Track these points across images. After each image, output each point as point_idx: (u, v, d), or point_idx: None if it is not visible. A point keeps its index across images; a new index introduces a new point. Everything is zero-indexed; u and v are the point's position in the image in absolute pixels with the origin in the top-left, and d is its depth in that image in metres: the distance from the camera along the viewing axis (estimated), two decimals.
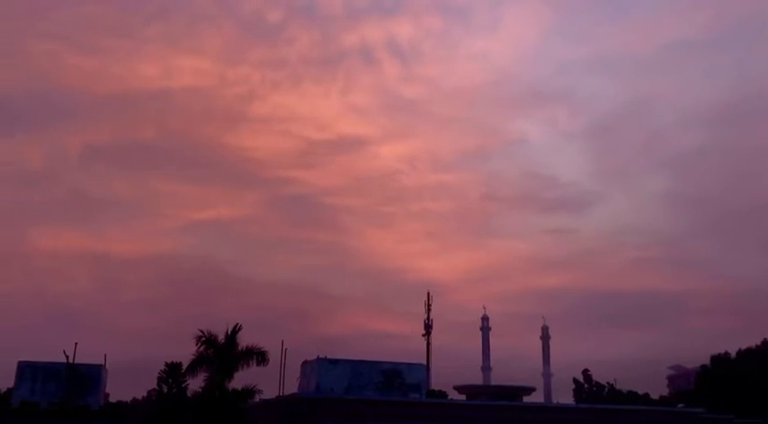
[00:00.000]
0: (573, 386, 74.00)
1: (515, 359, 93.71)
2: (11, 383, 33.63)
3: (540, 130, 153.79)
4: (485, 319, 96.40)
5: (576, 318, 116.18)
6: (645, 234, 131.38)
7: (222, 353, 39.82)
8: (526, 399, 28.66)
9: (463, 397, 29.69)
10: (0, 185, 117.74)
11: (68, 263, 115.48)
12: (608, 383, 70.42)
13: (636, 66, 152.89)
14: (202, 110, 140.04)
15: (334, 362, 24.08)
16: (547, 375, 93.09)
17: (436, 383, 50.27)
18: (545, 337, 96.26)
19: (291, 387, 28.31)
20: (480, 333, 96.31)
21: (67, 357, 30.98)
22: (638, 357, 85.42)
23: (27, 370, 31.86)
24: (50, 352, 34.80)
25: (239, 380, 40.79)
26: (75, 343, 31.91)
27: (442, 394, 48.28)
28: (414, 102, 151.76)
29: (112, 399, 47.30)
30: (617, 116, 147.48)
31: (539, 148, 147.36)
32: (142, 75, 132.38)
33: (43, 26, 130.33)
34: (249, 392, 39.30)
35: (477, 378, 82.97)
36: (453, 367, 72.55)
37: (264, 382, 39.86)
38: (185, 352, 41.52)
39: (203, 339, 40.10)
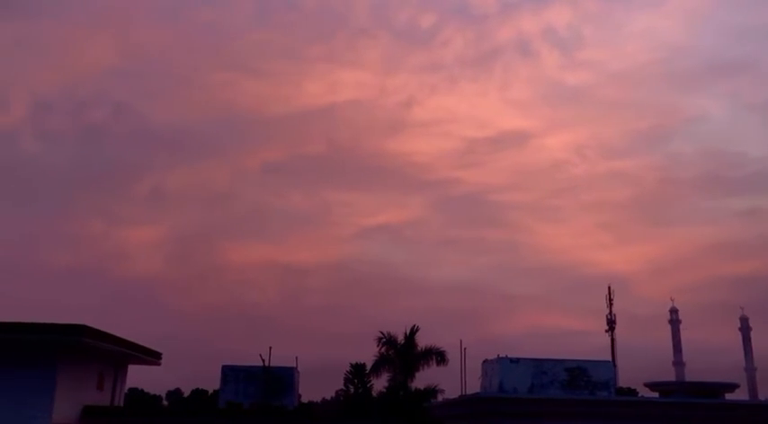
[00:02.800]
0: None
1: (710, 354, 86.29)
2: (217, 385, 36.74)
3: (721, 105, 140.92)
4: (673, 311, 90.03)
5: None
6: None
7: (402, 353, 40.80)
8: (728, 396, 26.30)
9: (655, 395, 27.91)
10: (192, 205, 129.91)
11: (257, 274, 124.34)
12: None
13: None
14: (366, 120, 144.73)
15: (516, 361, 23.67)
16: (750, 369, 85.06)
17: (624, 380, 47.80)
18: (744, 328, 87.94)
19: (472, 387, 28.21)
20: (669, 327, 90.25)
21: (264, 360, 33.19)
22: None
23: (230, 374, 34.52)
24: (249, 356, 37.62)
25: (421, 380, 41.52)
26: (270, 347, 34.16)
27: (632, 392, 45.88)
28: (577, 90, 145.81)
29: (304, 399, 49.83)
30: None
31: (722, 124, 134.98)
32: (309, 93, 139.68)
33: (219, 58, 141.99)
34: (431, 391, 39.88)
35: (669, 374, 77.55)
36: (641, 364, 68.51)
37: (445, 381, 40.14)
38: (368, 353, 43.00)
39: (384, 340, 41.38)
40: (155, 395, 72.49)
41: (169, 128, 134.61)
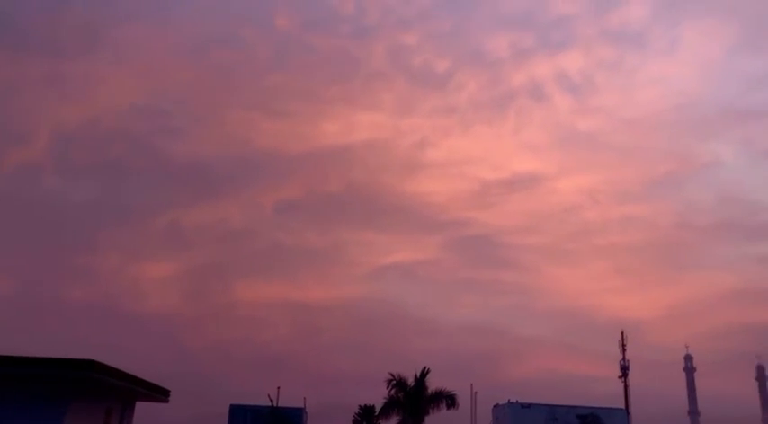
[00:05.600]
0: None
1: (726, 402, 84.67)
2: (224, 423, 36.39)
3: (735, 151, 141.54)
4: (688, 359, 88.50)
5: None
6: None
7: (412, 396, 40.25)
8: None
9: None
10: (208, 243, 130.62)
11: (270, 312, 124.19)
12: None
13: None
14: (381, 160, 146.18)
15: (527, 406, 23.35)
16: (767, 420, 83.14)
17: None
18: (761, 377, 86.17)
19: None
20: (684, 374, 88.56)
21: (272, 400, 32.98)
22: None
23: (238, 412, 34.35)
24: (258, 395, 37.33)
25: (430, 423, 40.89)
26: (278, 387, 33.93)
27: None
28: (590, 134, 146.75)
29: None
30: None
31: (736, 171, 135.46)
32: (325, 133, 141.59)
33: (238, 97, 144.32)
34: None
35: (684, 423, 76.06)
36: (655, 412, 67.28)
37: None
38: (378, 395, 42.56)
39: (394, 382, 40.88)
40: None
41: (188, 166, 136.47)
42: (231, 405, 35.15)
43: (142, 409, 27.97)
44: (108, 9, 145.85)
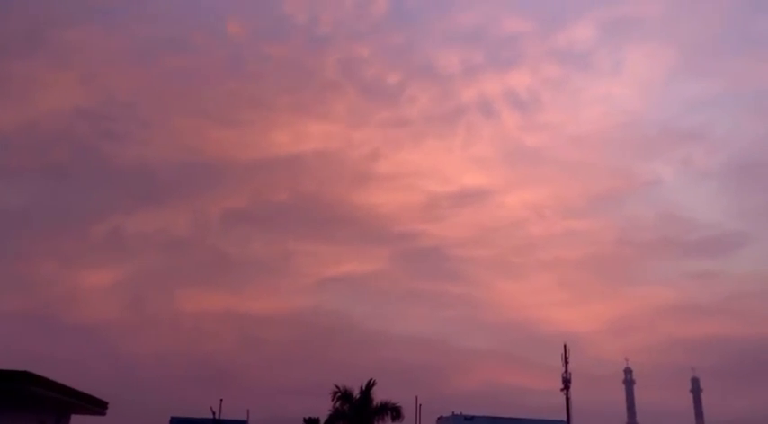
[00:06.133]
0: None
1: (664, 414, 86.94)
2: None
3: (675, 171, 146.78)
4: (628, 372, 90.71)
5: (730, 369, 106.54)
6: None
7: (358, 408, 40.12)
8: None
9: None
10: (151, 251, 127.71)
11: (214, 322, 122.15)
12: None
13: None
14: (332, 171, 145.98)
15: (470, 418, 23.58)
16: None
17: None
18: (696, 390, 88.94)
19: None
20: (624, 387, 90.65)
21: (214, 413, 32.38)
22: None
23: None
24: (200, 408, 36.61)
25: None
26: (221, 400, 33.35)
27: None
28: (537, 150, 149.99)
29: None
30: (757, 151, 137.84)
31: (675, 190, 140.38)
32: (276, 142, 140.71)
33: (188, 104, 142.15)
34: None
35: None
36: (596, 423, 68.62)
37: None
38: (323, 407, 42.27)
39: (339, 394, 40.68)
40: None
41: (133, 171, 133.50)
42: (172, 417, 34.40)
43: (78, 422, 27.12)
44: (53, 11, 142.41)
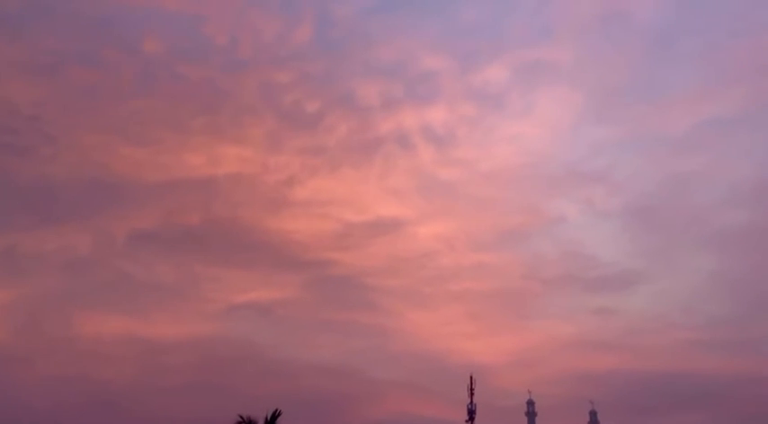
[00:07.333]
0: None
1: None
2: None
3: (578, 210, 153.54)
4: (530, 403, 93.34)
5: (626, 402, 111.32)
6: (694, 313, 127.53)
7: None
8: None
9: None
10: (50, 271, 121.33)
11: (113, 347, 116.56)
12: None
13: (671, 145, 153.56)
14: (246, 196, 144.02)
15: None
16: None
17: None
18: (593, 422, 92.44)
19: None
20: (526, 419, 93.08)
21: None
22: None
23: None
24: None
25: None
26: None
27: None
28: (450, 184, 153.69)
29: None
30: (655, 195, 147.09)
31: (578, 228, 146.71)
32: (189, 164, 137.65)
33: (96, 120, 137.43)
34: None
35: None
36: None
37: None
38: None
39: None
40: None
41: (33, 187, 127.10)
42: None
43: None
44: None
